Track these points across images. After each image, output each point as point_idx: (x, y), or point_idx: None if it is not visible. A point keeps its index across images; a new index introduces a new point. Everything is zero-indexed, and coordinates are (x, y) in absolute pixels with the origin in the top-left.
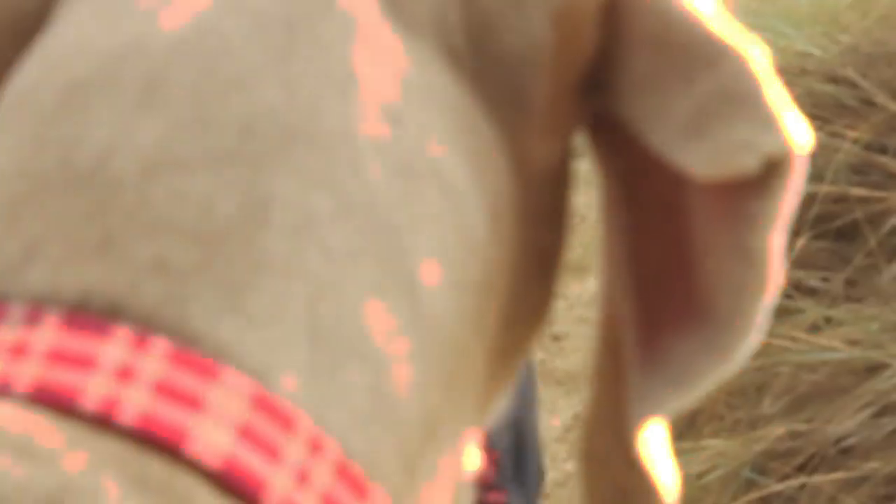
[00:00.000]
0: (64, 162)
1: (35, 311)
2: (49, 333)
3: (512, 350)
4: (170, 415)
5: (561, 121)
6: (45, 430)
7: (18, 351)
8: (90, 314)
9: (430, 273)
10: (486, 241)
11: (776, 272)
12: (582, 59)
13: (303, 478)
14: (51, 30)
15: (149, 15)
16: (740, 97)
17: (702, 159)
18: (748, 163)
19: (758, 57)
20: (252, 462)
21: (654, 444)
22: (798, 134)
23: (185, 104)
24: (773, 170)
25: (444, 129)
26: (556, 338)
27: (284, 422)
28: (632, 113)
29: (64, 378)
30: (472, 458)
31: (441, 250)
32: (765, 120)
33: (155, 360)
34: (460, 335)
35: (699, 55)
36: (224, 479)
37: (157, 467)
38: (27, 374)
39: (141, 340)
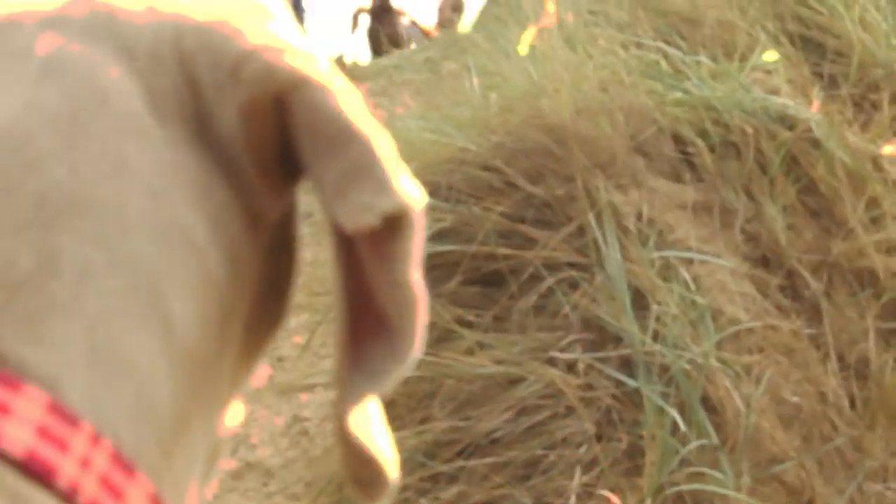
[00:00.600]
0: None
1: None
2: None
3: (255, 351)
4: None
5: (276, 182)
6: None
7: None
8: None
9: (182, 309)
10: (224, 279)
11: (421, 296)
12: (270, 140)
13: (85, 464)
14: None
15: None
16: (365, 169)
17: (344, 217)
18: (370, 219)
19: (381, 140)
20: (47, 453)
21: (370, 425)
22: (412, 195)
23: None
24: (395, 222)
25: (190, 198)
26: (279, 359)
27: (71, 423)
28: (312, 182)
29: None
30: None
31: (189, 291)
32: (382, 186)
33: None
34: (206, 353)
35: (339, 139)
36: (26, 466)
37: None
38: None
39: None
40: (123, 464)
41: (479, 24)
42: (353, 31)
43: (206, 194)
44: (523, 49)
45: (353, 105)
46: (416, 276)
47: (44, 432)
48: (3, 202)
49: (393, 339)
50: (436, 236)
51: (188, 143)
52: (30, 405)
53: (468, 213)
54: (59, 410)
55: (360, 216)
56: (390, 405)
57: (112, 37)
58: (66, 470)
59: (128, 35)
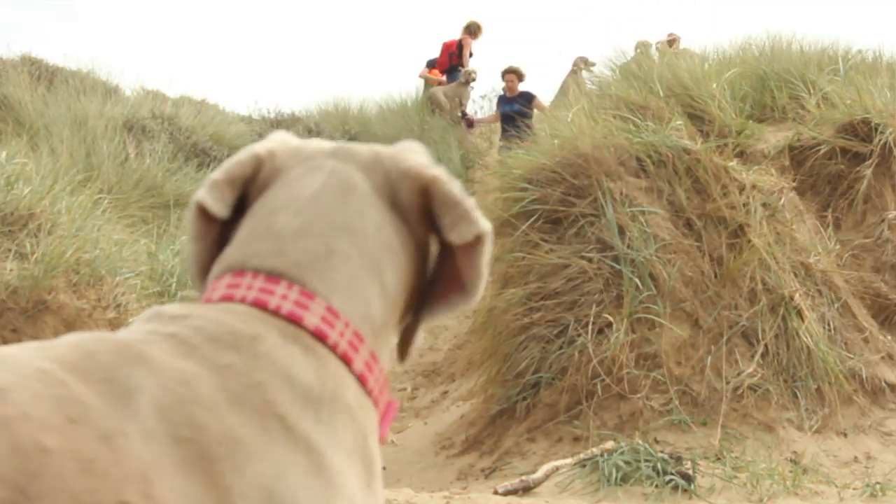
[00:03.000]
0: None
1: (251, 274)
2: (259, 282)
3: (407, 313)
4: (298, 312)
5: (423, 224)
6: (255, 315)
7: (248, 287)
8: (273, 276)
9: (390, 279)
10: (406, 270)
11: (485, 275)
12: (421, 205)
13: (341, 335)
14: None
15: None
16: (466, 215)
17: (455, 237)
18: (471, 236)
19: (469, 200)
20: (323, 328)
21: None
22: (486, 226)
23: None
24: (480, 237)
25: (391, 231)
26: None
27: (335, 315)
28: (439, 223)
29: (264, 298)
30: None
31: (392, 272)
32: (475, 222)
33: (294, 293)
34: (395, 302)
35: (452, 202)
36: (314, 334)
37: (292, 330)
38: (251, 296)
39: (290, 286)
40: (359, 336)
41: (551, 107)
42: None
43: (397, 230)
44: (569, 118)
45: (455, 185)
46: (484, 263)
47: (323, 318)
48: (312, 223)
49: (467, 295)
50: (531, 200)
51: (388, 206)
52: (317, 306)
53: (545, 191)
54: (330, 309)
55: (466, 235)
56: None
57: (353, 159)
58: (332, 336)
59: (360, 158)
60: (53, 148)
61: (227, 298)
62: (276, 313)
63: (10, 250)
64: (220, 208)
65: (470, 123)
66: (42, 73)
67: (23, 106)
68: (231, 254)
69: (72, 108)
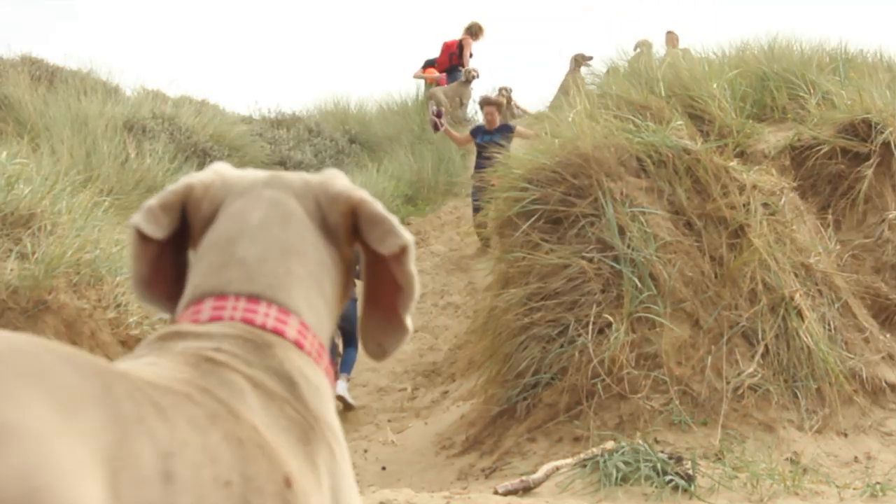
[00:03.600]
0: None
1: (233, 297)
2: (241, 303)
3: (341, 303)
4: (281, 326)
5: (350, 241)
6: (251, 329)
7: (234, 308)
8: (252, 298)
9: (328, 288)
10: (337, 278)
11: (416, 276)
12: (349, 224)
13: (311, 343)
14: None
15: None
16: (392, 230)
17: (383, 248)
18: (397, 247)
19: (392, 217)
20: (300, 339)
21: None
22: (409, 237)
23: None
24: (405, 248)
25: (323, 249)
26: None
27: (305, 327)
28: (365, 238)
29: (250, 316)
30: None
31: (329, 282)
32: (400, 235)
33: (274, 311)
34: (333, 302)
35: (378, 219)
36: (293, 343)
37: (276, 340)
38: (238, 315)
39: (270, 305)
40: (320, 343)
41: (551, 107)
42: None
43: (327, 247)
44: (570, 119)
45: (378, 205)
46: (413, 269)
47: (299, 331)
48: (267, 249)
49: (405, 297)
50: (531, 200)
51: (319, 227)
52: (293, 320)
53: (545, 191)
54: (302, 323)
55: (393, 247)
56: (520, 277)
57: (286, 187)
58: (307, 345)
59: (292, 186)
60: (54, 148)
61: (217, 319)
62: (262, 328)
63: (10, 250)
64: (153, 230)
65: (435, 126)
66: (42, 73)
67: (23, 106)
68: (206, 281)
69: (72, 108)
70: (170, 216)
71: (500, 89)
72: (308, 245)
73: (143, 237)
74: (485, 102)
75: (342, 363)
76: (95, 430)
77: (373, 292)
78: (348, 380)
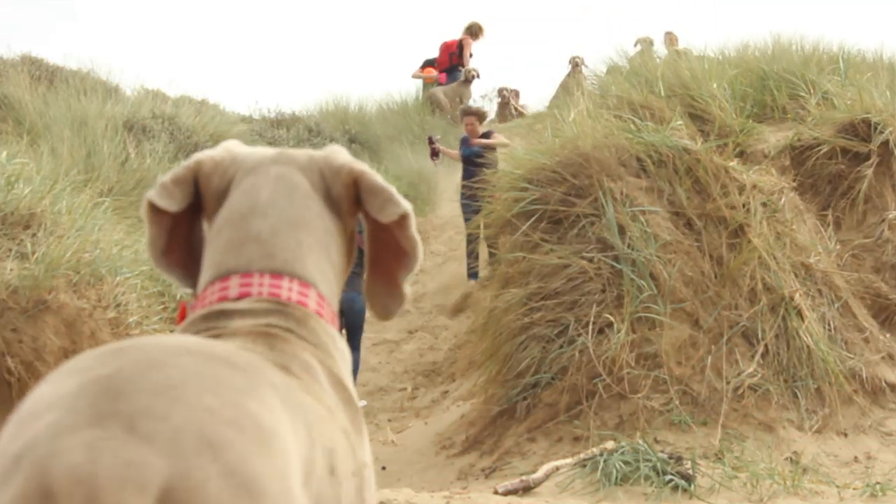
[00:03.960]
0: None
1: (258, 275)
2: (266, 279)
3: (347, 269)
4: (304, 299)
5: (353, 211)
6: (268, 302)
7: (260, 284)
8: (275, 274)
9: (335, 255)
10: (342, 245)
11: (418, 240)
12: (352, 195)
13: (329, 311)
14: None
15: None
16: (392, 199)
17: (383, 216)
18: (396, 215)
19: (391, 187)
20: (320, 309)
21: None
22: (407, 206)
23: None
24: (405, 215)
25: (329, 219)
26: None
27: (322, 297)
28: (366, 207)
29: (276, 291)
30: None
31: (335, 249)
32: (399, 203)
33: (296, 285)
34: (340, 268)
35: (378, 189)
36: (316, 313)
37: (305, 312)
38: (265, 291)
39: (292, 280)
40: (332, 310)
41: (551, 106)
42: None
43: (332, 216)
44: (571, 118)
45: (378, 176)
46: (415, 233)
47: (318, 302)
48: (278, 223)
49: (409, 261)
50: (532, 200)
51: (323, 198)
52: (313, 293)
53: (546, 191)
54: (320, 295)
55: (392, 215)
56: (521, 277)
57: (292, 163)
58: (325, 315)
59: (298, 161)
60: (54, 148)
61: (245, 295)
62: (288, 301)
63: (10, 250)
64: (167, 203)
65: (435, 153)
66: (42, 73)
67: (23, 106)
68: (228, 258)
69: (72, 107)
70: (182, 190)
71: (501, 90)
72: (314, 215)
73: (157, 210)
74: (464, 113)
75: None
76: (300, 437)
77: (375, 259)
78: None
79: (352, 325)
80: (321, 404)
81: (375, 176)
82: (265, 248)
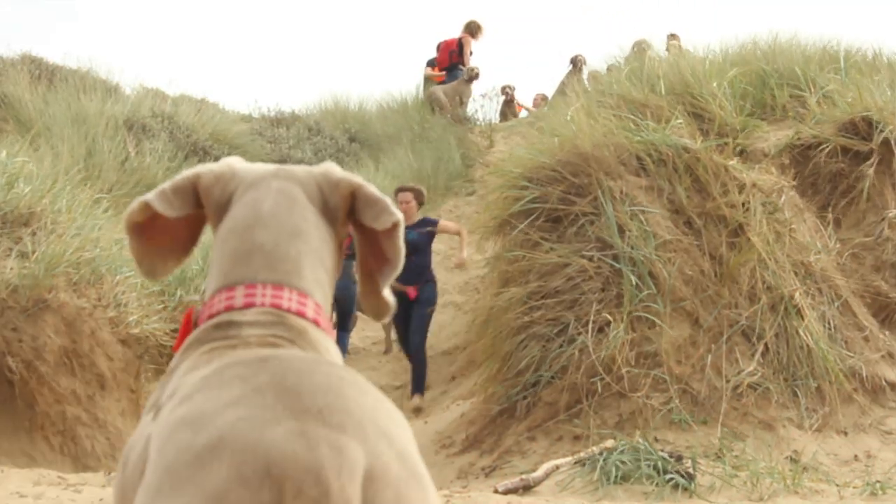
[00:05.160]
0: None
1: (261, 286)
2: (269, 290)
3: (335, 275)
4: (302, 309)
5: (346, 221)
6: (271, 314)
7: (263, 295)
8: (277, 285)
9: (328, 262)
10: (334, 252)
11: (403, 248)
12: (347, 206)
13: (325, 321)
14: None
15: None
16: (386, 209)
17: (377, 224)
18: (389, 223)
19: (385, 198)
20: (317, 318)
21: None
22: (399, 215)
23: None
24: (396, 224)
25: (324, 228)
26: None
27: (319, 306)
28: (360, 216)
29: (278, 301)
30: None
31: (328, 256)
32: (392, 213)
33: (295, 295)
34: (332, 272)
35: (373, 200)
36: (312, 322)
37: (303, 323)
38: (268, 301)
39: (292, 291)
40: (327, 318)
41: (550, 107)
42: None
43: (326, 227)
44: (569, 117)
45: (372, 187)
46: (402, 243)
47: (315, 311)
48: (279, 234)
49: (392, 266)
50: (531, 199)
51: (319, 211)
52: (310, 302)
53: (545, 190)
54: (317, 304)
55: (386, 223)
56: (521, 274)
57: (291, 178)
58: (322, 323)
59: (296, 176)
60: (54, 147)
61: (249, 305)
62: (288, 311)
63: (10, 249)
64: (164, 208)
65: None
66: (42, 72)
67: (23, 105)
68: (235, 269)
69: (72, 106)
70: (181, 199)
71: (504, 87)
72: (310, 225)
73: (151, 212)
74: (398, 190)
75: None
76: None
77: (365, 265)
78: None
79: (344, 310)
80: None
81: (371, 187)
82: (268, 260)
